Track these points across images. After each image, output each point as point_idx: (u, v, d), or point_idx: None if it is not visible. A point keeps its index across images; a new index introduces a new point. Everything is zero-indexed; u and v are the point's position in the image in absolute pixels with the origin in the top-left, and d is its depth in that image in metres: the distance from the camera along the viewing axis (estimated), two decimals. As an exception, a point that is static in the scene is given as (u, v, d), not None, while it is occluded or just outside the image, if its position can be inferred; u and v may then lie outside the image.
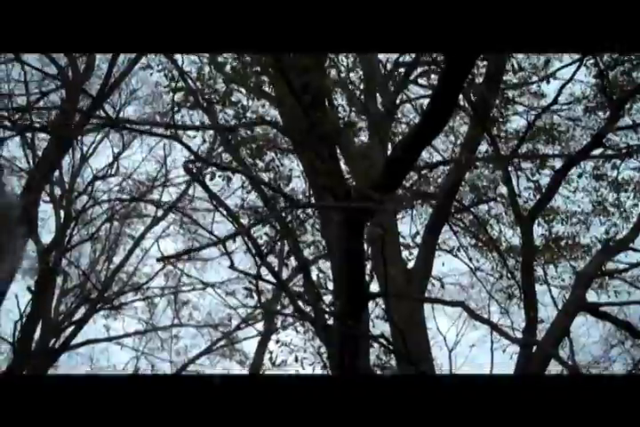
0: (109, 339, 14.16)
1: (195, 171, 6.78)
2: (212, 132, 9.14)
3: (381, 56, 10.84)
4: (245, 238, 5.66)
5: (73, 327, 12.99)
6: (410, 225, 10.31)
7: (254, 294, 7.08)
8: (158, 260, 7.40)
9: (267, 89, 7.97)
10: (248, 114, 8.24)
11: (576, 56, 8.77)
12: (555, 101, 7.89)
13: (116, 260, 14.03)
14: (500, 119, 8.78)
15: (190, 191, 13.39)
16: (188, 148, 4.89)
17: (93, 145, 13.66)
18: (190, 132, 8.35)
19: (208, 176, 6.99)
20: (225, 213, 5.93)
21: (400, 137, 9.22)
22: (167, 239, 14.58)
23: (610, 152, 8.13)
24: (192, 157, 5.65)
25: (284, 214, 6.26)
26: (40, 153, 11.55)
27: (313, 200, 6.72)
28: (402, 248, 7.48)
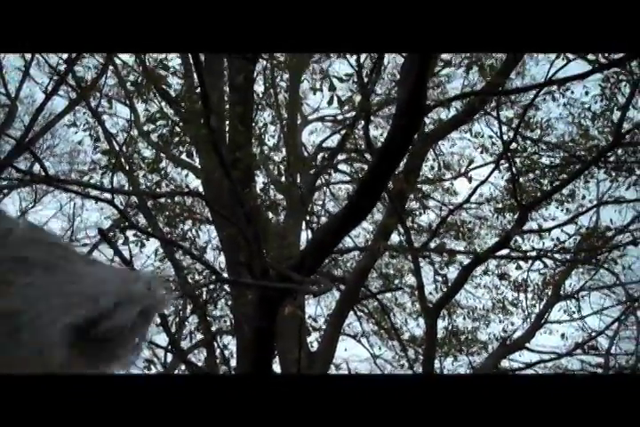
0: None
1: (108, 233, 6.65)
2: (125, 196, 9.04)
3: (305, 138, 11.12)
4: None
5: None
6: (315, 308, 10.35)
7: (154, 366, 6.87)
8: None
9: (192, 158, 8.02)
10: (168, 181, 8.23)
11: (491, 159, 9.24)
12: (468, 200, 8.22)
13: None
14: (416, 212, 9.05)
15: (95, 253, 13.02)
16: (121, 211, 4.83)
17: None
18: (107, 195, 8.23)
19: (121, 240, 6.87)
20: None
21: (315, 219, 9.37)
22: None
23: (514, 254, 8.47)
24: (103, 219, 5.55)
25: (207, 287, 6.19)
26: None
27: (226, 273, 6.68)
28: (310, 330, 7.47)
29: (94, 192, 6.31)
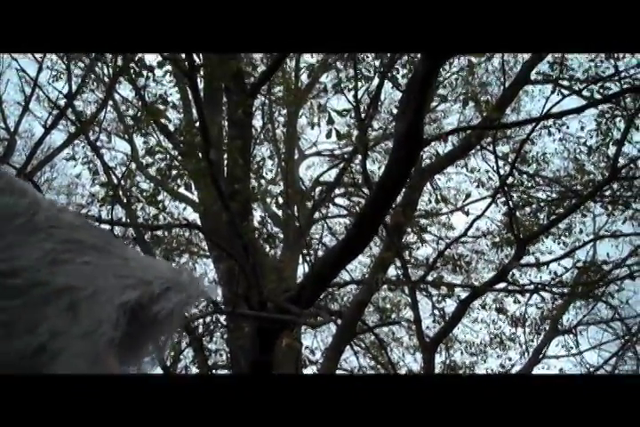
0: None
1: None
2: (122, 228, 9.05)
3: (302, 173, 11.18)
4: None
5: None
6: (312, 342, 10.29)
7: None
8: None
9: (190, 191, 8.05)
10: (166, 214, 8.25)
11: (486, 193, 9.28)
12: (465, 234, 8.24)
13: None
14: (412, 245, 9.06)
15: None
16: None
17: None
18: (105, 227, 8.23)
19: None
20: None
21: (312, 253, 9.37)
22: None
23: (512, 287, 8.46)
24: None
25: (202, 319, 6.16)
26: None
27: (223, 306, 6.65)
28: (306, 363, 7.42)
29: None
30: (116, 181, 7.28)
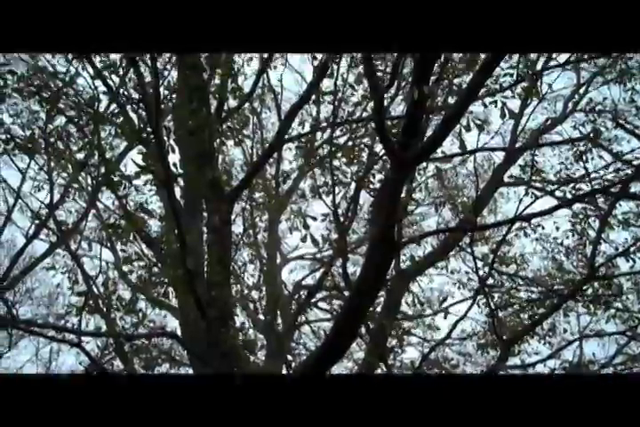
0: None
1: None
2: (103, 338, 8.90)
3: (285, 276, 11.16)
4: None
5: None
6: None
7: None
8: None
9: (169, 299, 7.99)
10: (146, 322, 8.16)
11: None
12: (448, 336, 8.15)
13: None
14: (397, 349, 8.94)
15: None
16: (89, 355, 4.77)
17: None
18: (84, 339, 8.10)
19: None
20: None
21: (295, 358, 9.22)
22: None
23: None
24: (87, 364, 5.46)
25: None
26: None
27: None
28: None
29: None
30: (95, 289, 7.24)
